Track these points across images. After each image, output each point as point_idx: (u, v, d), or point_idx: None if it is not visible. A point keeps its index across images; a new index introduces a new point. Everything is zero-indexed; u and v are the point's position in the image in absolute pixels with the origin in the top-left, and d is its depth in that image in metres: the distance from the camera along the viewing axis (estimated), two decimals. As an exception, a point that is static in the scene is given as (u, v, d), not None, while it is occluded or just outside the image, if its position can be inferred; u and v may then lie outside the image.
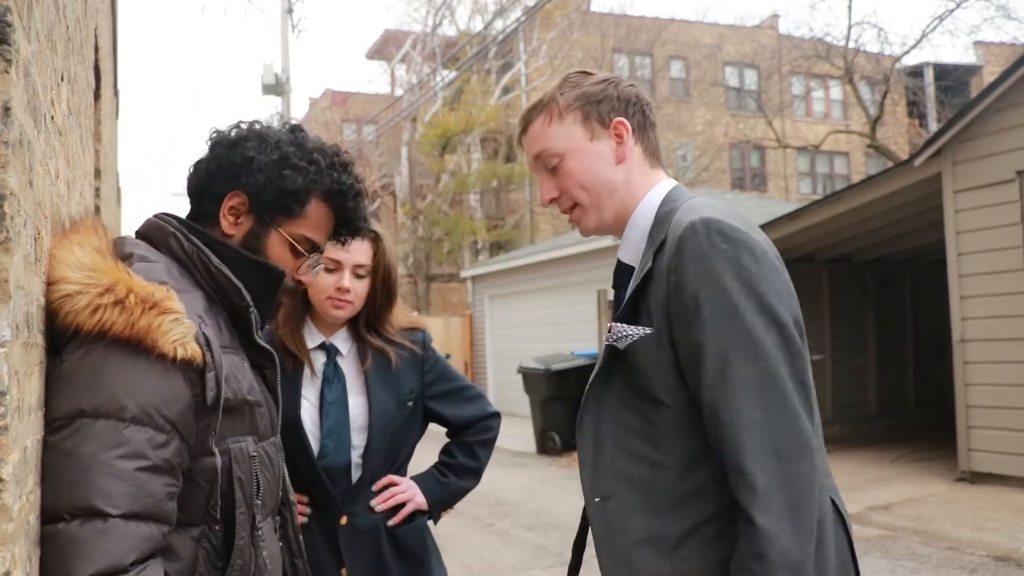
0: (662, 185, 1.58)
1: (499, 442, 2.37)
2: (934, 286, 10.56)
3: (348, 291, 2.13)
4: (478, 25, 23.96)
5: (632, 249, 1.56)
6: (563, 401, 10.73)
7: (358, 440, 2.13)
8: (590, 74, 1.61)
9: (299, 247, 1.54)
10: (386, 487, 2.15)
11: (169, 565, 1.29)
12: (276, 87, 19.35)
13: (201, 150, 1.56)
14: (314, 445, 2.10)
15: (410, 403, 2.20)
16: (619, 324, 1.47)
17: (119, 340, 1.25)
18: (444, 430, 2.36)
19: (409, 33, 25.39)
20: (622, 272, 1.58)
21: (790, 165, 26.10)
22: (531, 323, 15.35)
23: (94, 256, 1.32)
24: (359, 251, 2.15)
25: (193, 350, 1.28)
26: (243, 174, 1.48)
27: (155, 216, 1.50)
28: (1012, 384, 7.18)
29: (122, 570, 1.18)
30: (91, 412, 1.21)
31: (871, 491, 7.25)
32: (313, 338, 2.20)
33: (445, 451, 2.32)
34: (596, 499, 1.52)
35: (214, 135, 1.55)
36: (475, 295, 17.76)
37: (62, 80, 1.63)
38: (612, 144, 1.55)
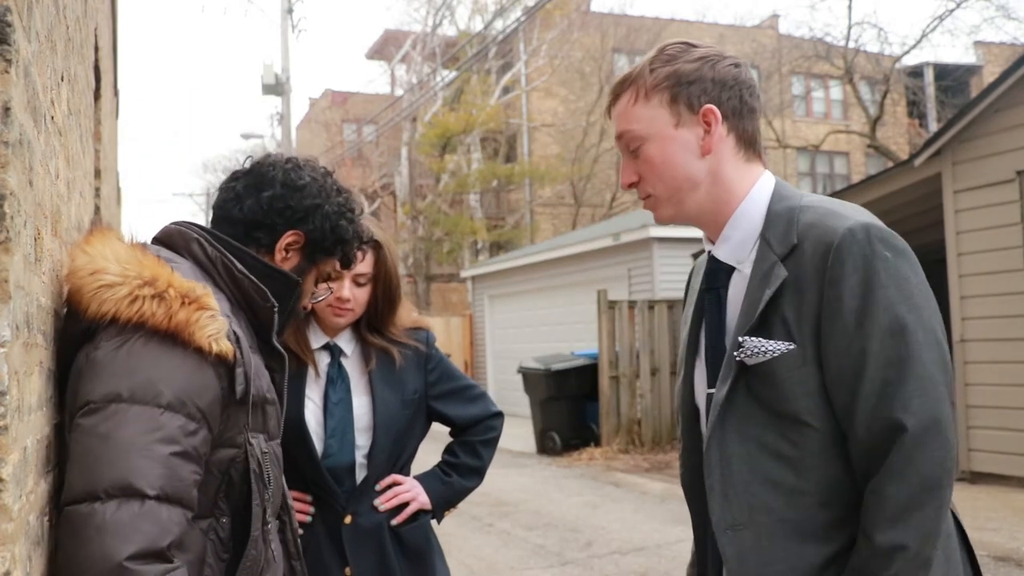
0: (765, 180, 1.46)
1: (499, 442, 2.38)
2: (934, 286, 10.54)
3: (348, 300, 2.14)
4: (478, 25, 23.97)
5: (733, 249, 1.45)
6: (563, 401, 10.73)
7: (362, 440, 2.13)
8: (692, 47, 1.46)
9: (321, 279, 1.69)
10: (389, 486, 2.16)
11: (182, 556, 1.32)
12: (276, 87, 19.35)
13: (258, 181, 1.61)
14: (318, 445, 2.11)
15: (414, 402, 2.20)
16: (753, 339, 1.35)
17: (157, 331, 1.32)
18: (445, 429, 2.36)
19: (409, 33, 25.39)
20: (720, 272, 1.47)
21: (790, 165, 26.09)
22: (531, 323, 15.35)
23: (134, 251, 1.40)
24: (360, 262, 2.15)
25: (226, 346, 1.36)
26: (310, 219, 1.60)
27: (173, 223, 1.57)
28: (1012, 384, 7.18)
29: (158, 551, 1.22)
30: (128, 397, 1.26)
31: (871, 491, 7.24)
32: (317, 338, 2.21)
33: (448, 450, 2.33)
34: (727, 529, 1.39)
35: (273, 171, 1.62)
36: (475, 295, 17.76)
37: (62, 80, 1.63)
38: (699, 132, 1.42)
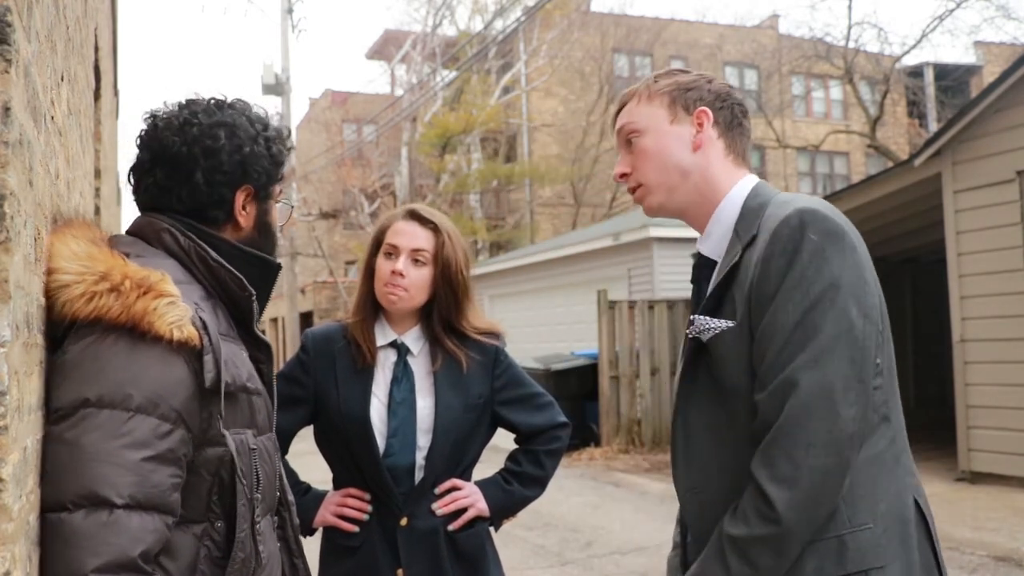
0: (747, 180, 1.57)
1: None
2: (934, 286, 10.56)
3: (402, 275, 2.11)
4: (478, 25, 23.96)
5: (715, 243, 1.55)
6: (563, 401, 10.69)
7: (423, 441, 2.11)
8: (689, 72, 1.63)
9: (281, 201, 1.63)
10: (449, 491, 2.14)
11: (171, 563, 1.28)
12: (276, 87, 19.33)
13: (176, 164, 1.46)
14: (380, 443, 2.10)
15: (478, 407, 2.17)
16: (702, 317, 1.47)
17: (116, 326, 1.25)
18: (508, 442, 2.34)
19: (409, 33, 25.38)
20: (703, 266, 1.58)
21: (790, 165, 26.08)
22: (531, 323, 15.35)
23: (89, 246, 1.33)
24: (418, 237, 2.15)
25: (190, 332, 1.28)
26: (249, 168, 1.51)
27: (144, 215, 1.50)
28: (1012, 384, 7.18)
29: (128, 561, 1.17)
30: (95, 401, 1.21)
31: (871, 491, 7.23)
32: (385, 335, 2.20)
33: (511, 458, 2.30)
34: (687, 491, 1.54)
35: (183, 146, 1.46)
36: (475, 295, 17.74)
37: (62, 80, 1.63)
38: (692, 131, 1.56)
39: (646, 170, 1.57)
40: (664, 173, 1.56)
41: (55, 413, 1.22)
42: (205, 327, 1.32)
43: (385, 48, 28.30)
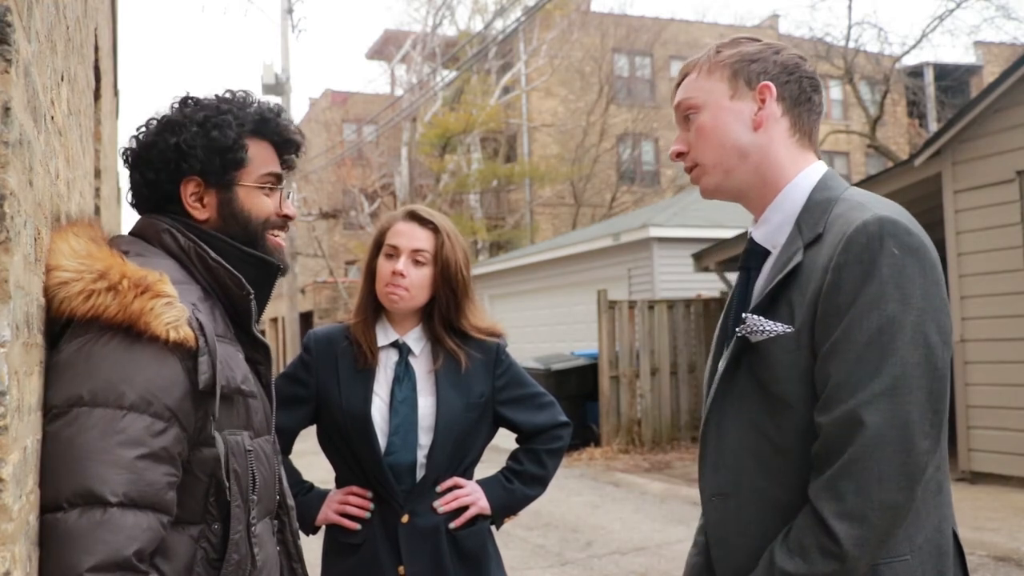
0: (815, 168, 1.46)
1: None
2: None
3: (402, 275, 2.13)
4: (478, 25, 23.96)
5: (771, 231, 1.45)
6: (563, 401, 10.69)
7: (425, 439, 2.13)
8: (760, 40, 1.50)
9: (266, 186, 1.55)
10: (450, 489, 2.16)
11: (167, 565, 1.28)
12: (276, 87, 19.32)
13: (131, 170, 1.54)
14: (382, 442, 2.12)
15: (479, 406, 2.19)
16: (755, 317, 1.37)
17: (112, 325, 1.25)
18: (508, 442, 2.34)
19: (409, 33, 25.38)
20: (755, 254, 1.48)
21: (790, 165, 26.06)
22: (531, 323, 15.34)
23: (88, 244, 1.33)
24: (417, 237, 2.17)
25: (186, 333, 1.28)
26: (180, 160, 1.48)
27: (146, 216, 1.51)
28: (1012, 384, 7.18)
29: (123, 560, 1.17)
30: (89, 400, 1.21)
31: (871, 491, 7.23)
32: (387, 335, 2.22)
33: (513, 457, 2.31)
34: (713, 497, 1.47)
35: (126, 152, 1.53)
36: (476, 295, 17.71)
37: (62, 80, 1.63)
38: (753, 107, 1.44)
39: (703, 149, 1.47)
40: (721, 153, 1.45)
41: (50, 412, 1.22)
42: (201, 328, 1.32)
43: (385, 48, 28.29)
